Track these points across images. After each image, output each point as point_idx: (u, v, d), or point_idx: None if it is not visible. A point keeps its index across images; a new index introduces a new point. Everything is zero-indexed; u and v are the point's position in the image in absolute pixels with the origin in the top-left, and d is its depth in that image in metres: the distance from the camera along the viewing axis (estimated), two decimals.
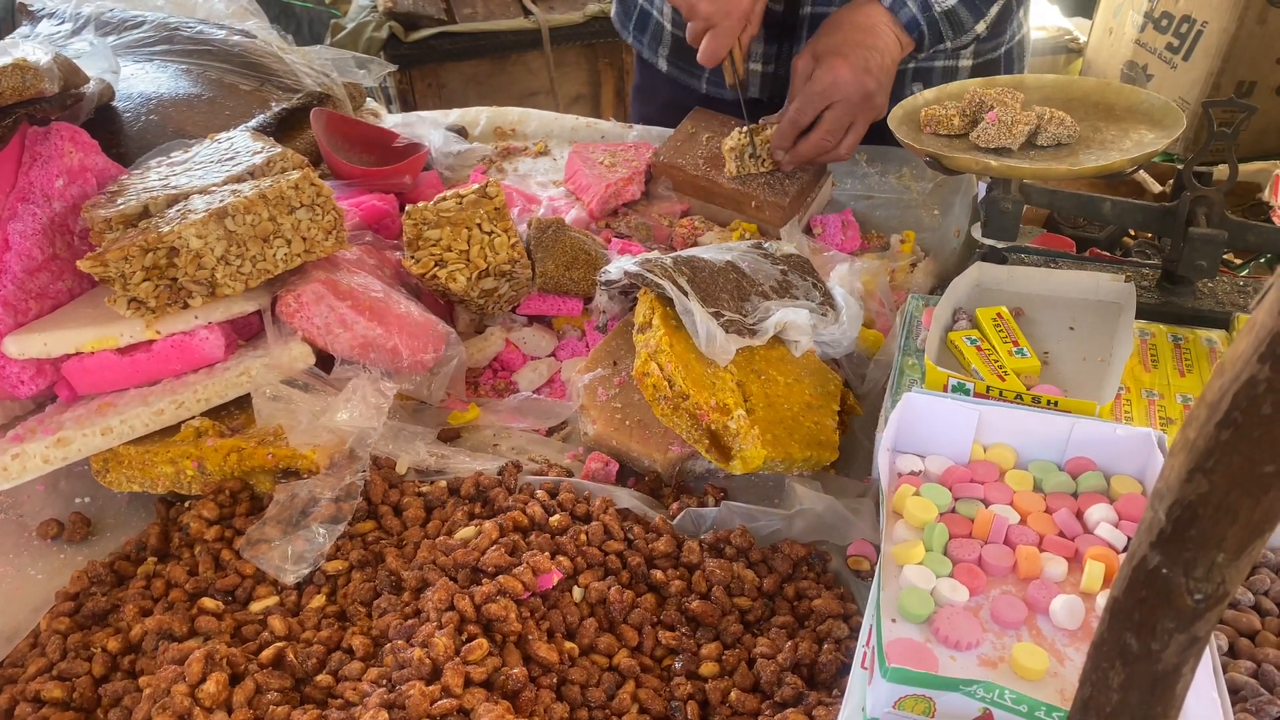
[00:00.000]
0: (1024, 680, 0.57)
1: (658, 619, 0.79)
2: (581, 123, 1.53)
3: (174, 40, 1.30)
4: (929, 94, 1.09)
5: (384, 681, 0.70)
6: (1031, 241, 1.79)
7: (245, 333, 0.99)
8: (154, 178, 1.00)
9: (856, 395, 1.01)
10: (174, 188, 0.97)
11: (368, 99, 1.47)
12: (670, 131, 1.39)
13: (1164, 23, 2.29)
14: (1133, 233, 1.98)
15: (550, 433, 1.01)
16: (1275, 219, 1.97)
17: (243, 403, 0.94)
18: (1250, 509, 0.31)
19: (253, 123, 1.20)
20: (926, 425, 0.75)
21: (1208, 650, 0.55)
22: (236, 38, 1.32)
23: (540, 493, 0.87)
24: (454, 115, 1.59)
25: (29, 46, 0.99)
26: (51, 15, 1.35)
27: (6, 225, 0.96)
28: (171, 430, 0.92)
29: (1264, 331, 0.28)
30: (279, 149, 1.02)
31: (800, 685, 0.72)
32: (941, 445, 0.75)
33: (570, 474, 0.93)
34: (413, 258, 1.06)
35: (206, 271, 0.90)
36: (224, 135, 1.08)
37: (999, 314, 0.93)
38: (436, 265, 1.05)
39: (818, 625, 0.77)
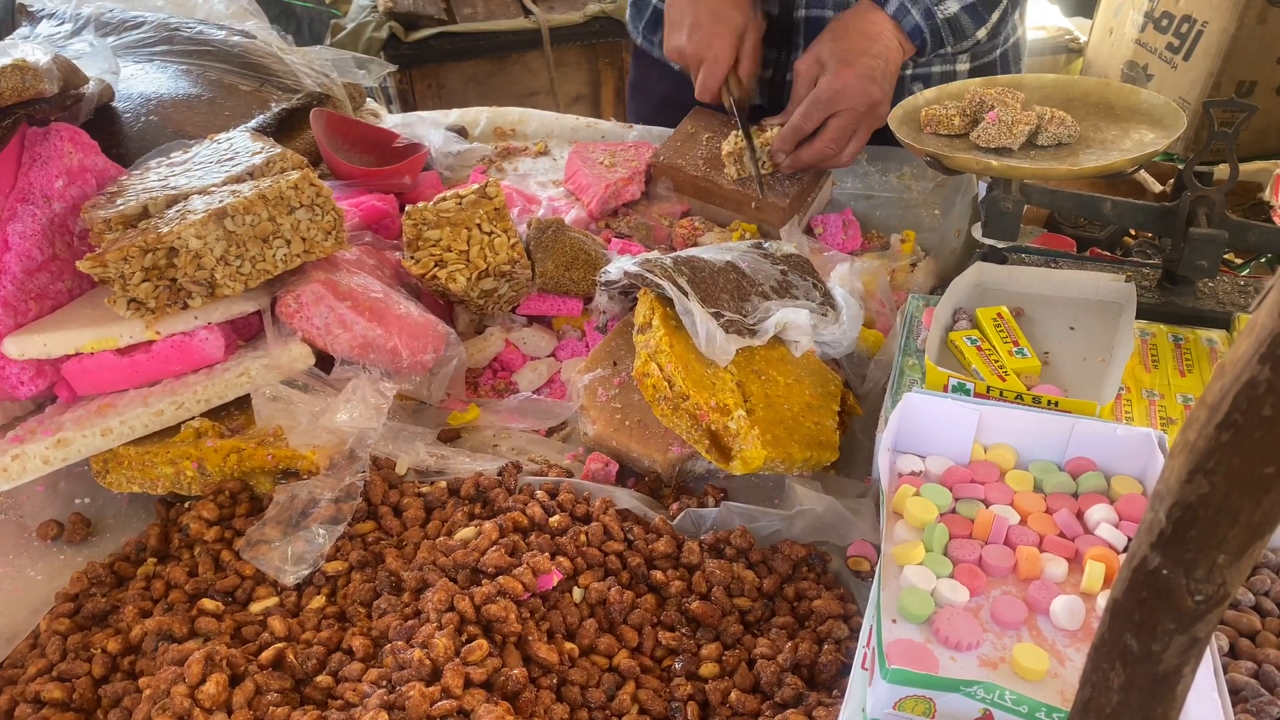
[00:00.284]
0: (1024, 681, 0.57)
1: (658, 619, 0.79)
2: (581, 123, 1.53)
3: (174, 41, 1.30)
4: (929, 94, 1.09)
5: (384, 682, 0.70)
6: (1032, 241, 1.79)
7: (245, 333, 0.99)
8: (153, 178, 1.00)
9: (857, 395, 1.01)
10: (173, 188, 0.96)
11: (367, 99, 1.47)
12: (670, 131, 1.39)
13: (1164, 23, 2.29)
14: (1133, 232, 1.98)
15: (550, 433, 1.01)
16: (1276, 219, 1.97)
17: (242, 403, 0.94)
18: (1251, 510, 0.31)
19: (252, 123, 1.20)
20: (927, 425, 0.75)
21: (1208, 651, 0.55)
22: (236, 38, 1.32)
23: (540, 493, 0.87)
24: (454, 115, 1.59)
25: (29, 47, 0.99)
26: (51, 16, 1.35)
27: (6, 226, 0.96)
28: (171, 431, 0.92)
29: (1264, 333, 0.28)
30: (278, 149, 1.02)
31: (800, 686, 0.72)
32: (942, 445, 0.75)
33: (570, 474, 0.93)
34: (412, 258, 1.06)
35: (206, 272, 0.90)
36: (223, 136, 1.08)
37: (999, 314, 0.93)
38: (436, 265, 1.05)
39: (818, 626, 0.77)
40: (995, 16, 1.24)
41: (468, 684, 0.69)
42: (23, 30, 1.35)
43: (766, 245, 1.08)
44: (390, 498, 0.89)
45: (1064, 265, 1.09)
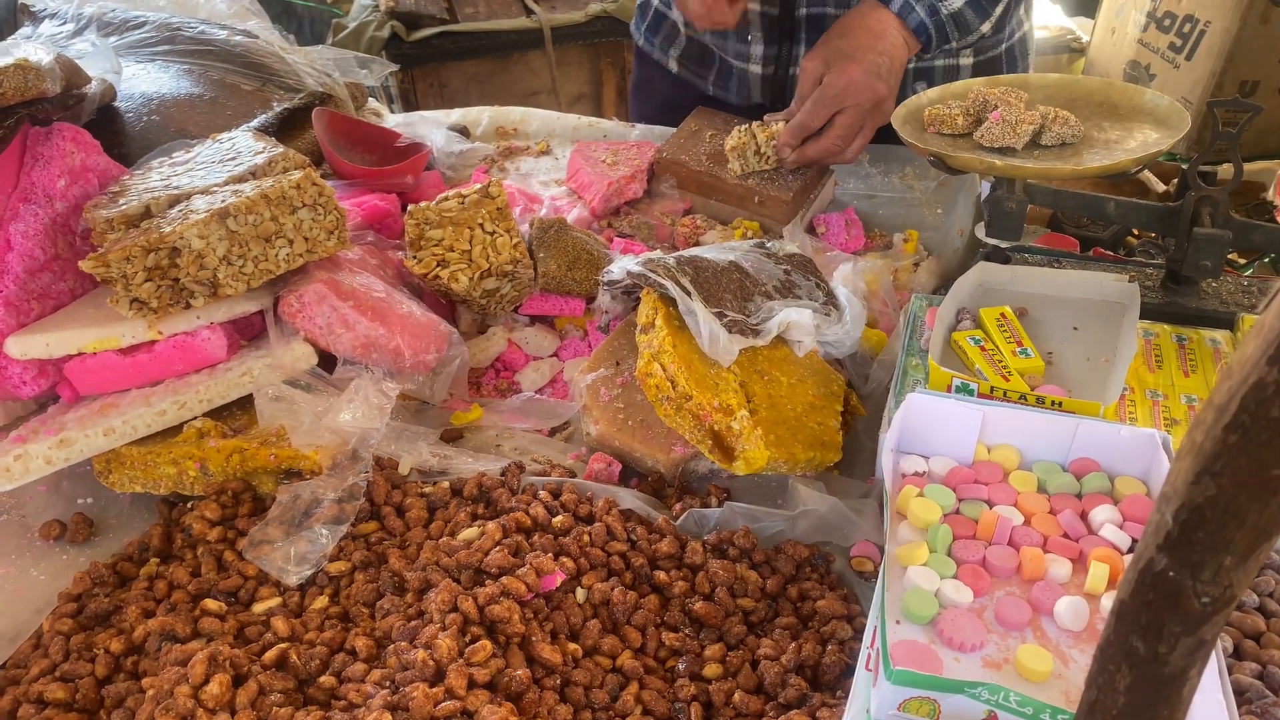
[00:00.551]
0: (1028, 682, 0.57)
1: (661, 620, 0.79)
2: (584, 122, 1.53)
3: (176, 40, 1.30)
4: (933, 93, 1.09)
5: (387, 683, 0.70)
6: (1035, 241, 1.79)
7: (247, 333, 0.99)
8: (156, 178, 1.00)
9: (860, 395, 1.01)
10: (176, 188, 0.96)
11: (369, 99, 1.47)
12: (673, 131, 1.39)
13: (1166, 22, 2.29)
14: (1136, 232, 1.98)
15: (553, 433, 1.01)
16: (1279, 218, 1.97)
17: (245, 403, 0.94)
18: (1258, 512, 0.31)
19: (254, 123, 1.20)
20: (930, 426, 0.75)
21: (1213, 652, 0.55)
22: (238, 38, 1.32)
23: (543, 493, 0.87)
24: (456, 115, 1.58)
25: (31, 47, 0.99)
26: (53, 16, 1.35)
27: (8, 226, 0.96)
28: (174, 431, 0.92)
29: (1272, 334, 0.28)
30: (281, 149, 1.02)
31: (804, 687, 0.72)
32: (945, 446, 0.75)
33: (573, 474, 0.93)
34: (415, 258, 1.06)
35: (208, 272, 0.90)
36: (226, 135, 1.08)
37: (1003, 314, 0.93)
38: (439, 265, 1.05)
39: (821, 626, 0.77)
40: (999, 10, 1.24)
41: (471, 685, 0.69)
42: (25, 30, 1.35)
43: (769, 245, 1.08)
44: (393, 498, 0.89)
45: (1067, 265, 1.09)
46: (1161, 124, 1.01)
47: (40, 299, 0.96)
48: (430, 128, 1.46)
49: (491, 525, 0.81)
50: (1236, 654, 0.70)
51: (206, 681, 0.68)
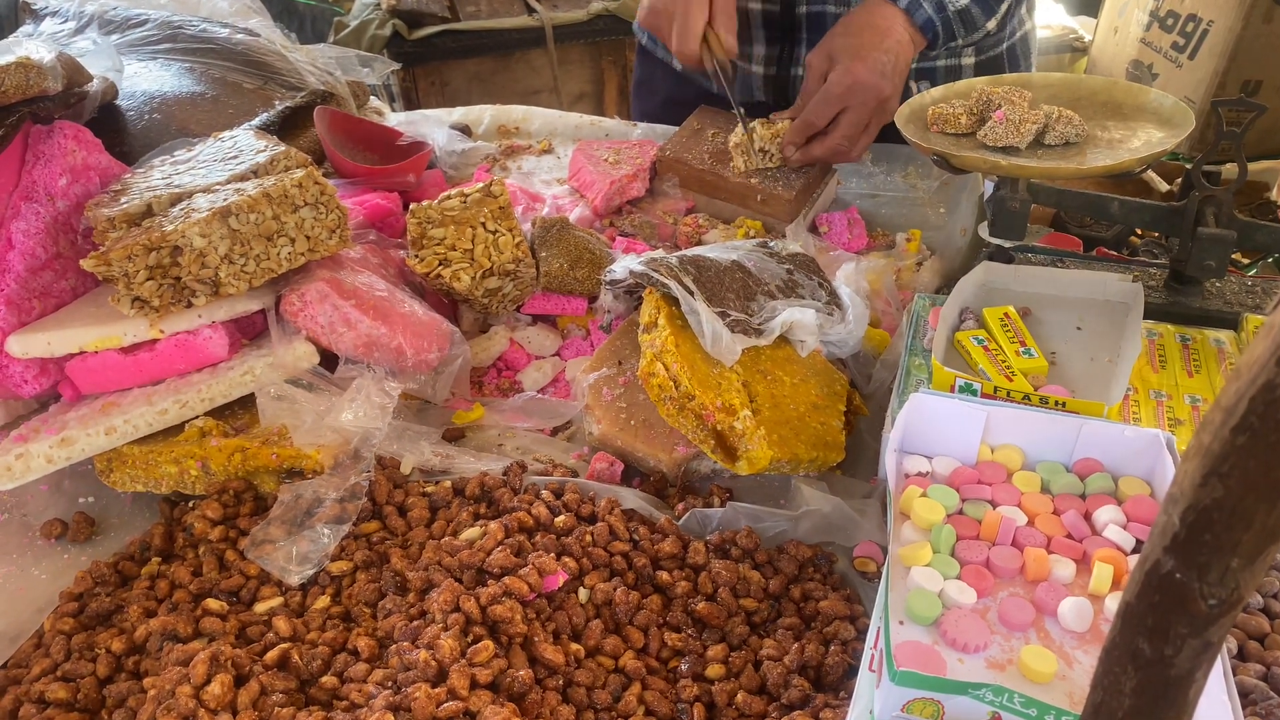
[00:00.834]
0: (1032, 683, 0.57)
1: (663, 620, 0.79)
2: (586, 120, 1.53)
3: (177, 39, 1.30)
4: (936, 92, 1.09)
5: (389, 683, 0.70)
6: (1038, 241, 1.79)
7: (249, 332, 0.99)
8: (157, 176, 0.99)
9: (862, 395, 1.01)
10: (177, 186, 0.96)
11: (371, 97, 1.47)
12: (674, 129, 1.38)
13: (1169, 21, 2.28)
14: (1139, 232, 1.98)
15: (555, 432, 1.01)
16: None
17: (247, 402, 0.94)
18: (1266, 514, 0.31)
19: (256, 121, 1.20)
20: (933, 426, 0.74)
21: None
22: (240, 36, 1.32)
23: (545, 493, 0.87)
24: (457, 113, 1.58)
25: (32, 45, 0.99)
26: (55, 14, 1.35)
27: (10, 224, 0.95)
28: (175, 430, 0.91)
29: None
30: (282, 147, 1.02)
31: (807, 687, 0.72)
32: (949, 446, 0.75)
33: (575, 474, 0.93)
34: (417, 256, 1.06)
35: (210, 270, 0.90)
36: (227, 134, 1.08)
37: (1006, 314, 0.93)
38: (441, 264, 1.04)
39: (824, 627, 0.77)
40: (1004, 8, 1.24)
41: (474, 685, 0.69)
42: (26, 28, 1.35)
43: (772, 244, 1.08)
44: (395, 497, 0.89)
45: (1071, 265, 1.09)
46: (1166, 123, 1.01)
47: (42, 297, 0.96)
48: (432, 126, 1.46)
49: (494, 525, 0.81)
50: (1240, 655, 0.70)
51: (208, 681, 0.68)
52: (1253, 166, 2.11)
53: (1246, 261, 2.02)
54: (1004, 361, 0.88)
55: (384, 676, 0.70)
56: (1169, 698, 0.37)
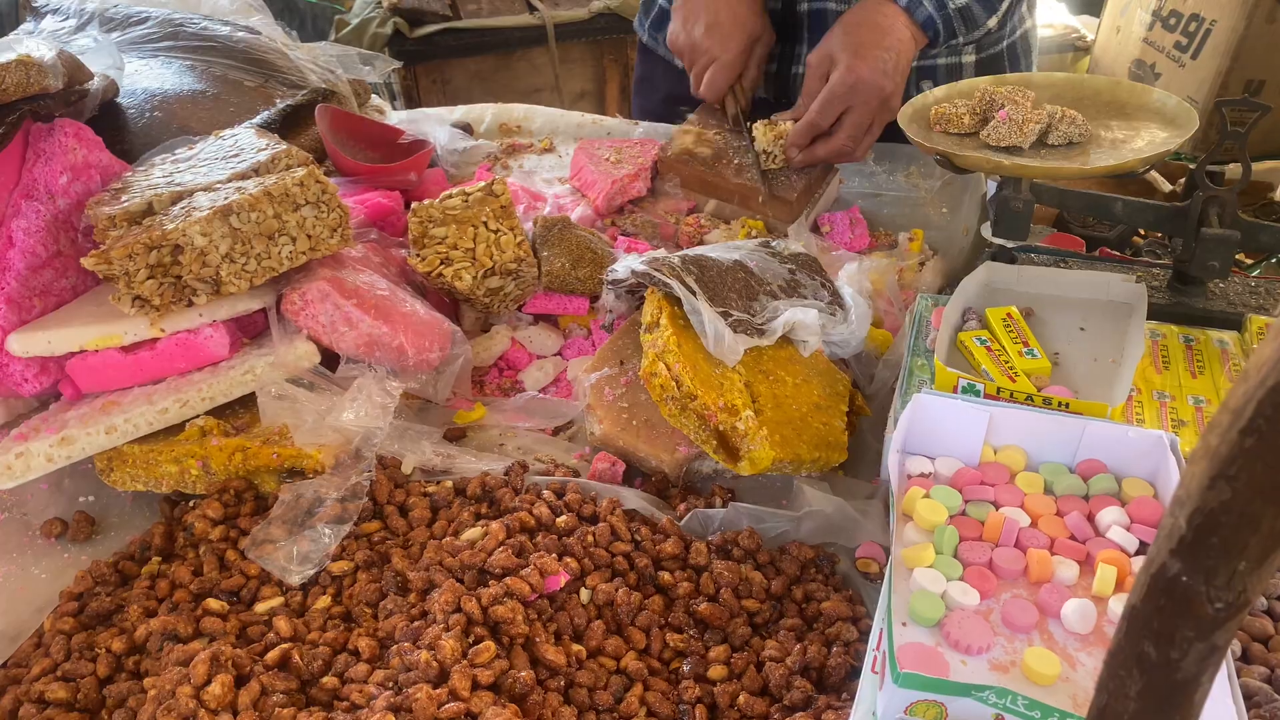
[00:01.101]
0: (1035, 685, 0.57)
1: (665, 621, 0.78)
2: (587, 119, 1.53)
3: (178, 36, 1.30)
4: (939, 92, 1.09)
5: (390, 684, 0.70)
6: (1041, 241, 1.78)
7: (250, 331, 0.99)
8: (158, 174, 0.99)
9: (865, 396, 1.01)
10: (178, 185, 0.96)
11: (372, 95, 1.47)
12: (675, 128, 1.38)
13: (1172, 21, 2.28)
14: (1142, 232, 1.97)
15: (556, 432, 1.01)
16: None
17: (247, 402, 0.93)
18: (1273, 517, 0.31)
19: (257, 119, 1.20)
20: (936, 426, 0.74)
21: None
22: (241, 34, 1.32)
23: (547, 493, 0.87)
24: (459, 112, 1.58)
25: (33, 43, 0.99)
26: (56, 11, 1.35)
27: (10, 222, 0.95)
28: (176, 429, 0.91)
29: None
30: (283, 146, 1.02)
31: (809, 688, 0.71)
32: (951, 447, 0.74)
33: (577, 474, 0.93)
34: (418, 255, 1.06)
35: (211, 269, 0.89)
36: (228, 132, 1.08)
37: (1009, 314, 0.92)
38: (442, 263, 1.04)
39: (826, 628, 0.77)
40: (1005, 5, 1.24)
41: (475, 686, 0.69)
42: (27, 25, 1.35)
43: (774, 244, 1.07)
44: (396, 497, 0.88)
45: (1074, 265, 1.09)
46: (1169, 123, 1.01)
47: (42, 296, 0.96)
48: (433, 125, 1.45)
49: (495, 525, 0.81)
50: (1244, 657, 0.70)
51: (208, 681, 0.68)
52: (1257, 167, 2.10)
53: (1250, 262, 2.01)
54: (1007, 362, 0.87)
55: (385, 677, 0.70)
56: (1174, 701, 0.36)
